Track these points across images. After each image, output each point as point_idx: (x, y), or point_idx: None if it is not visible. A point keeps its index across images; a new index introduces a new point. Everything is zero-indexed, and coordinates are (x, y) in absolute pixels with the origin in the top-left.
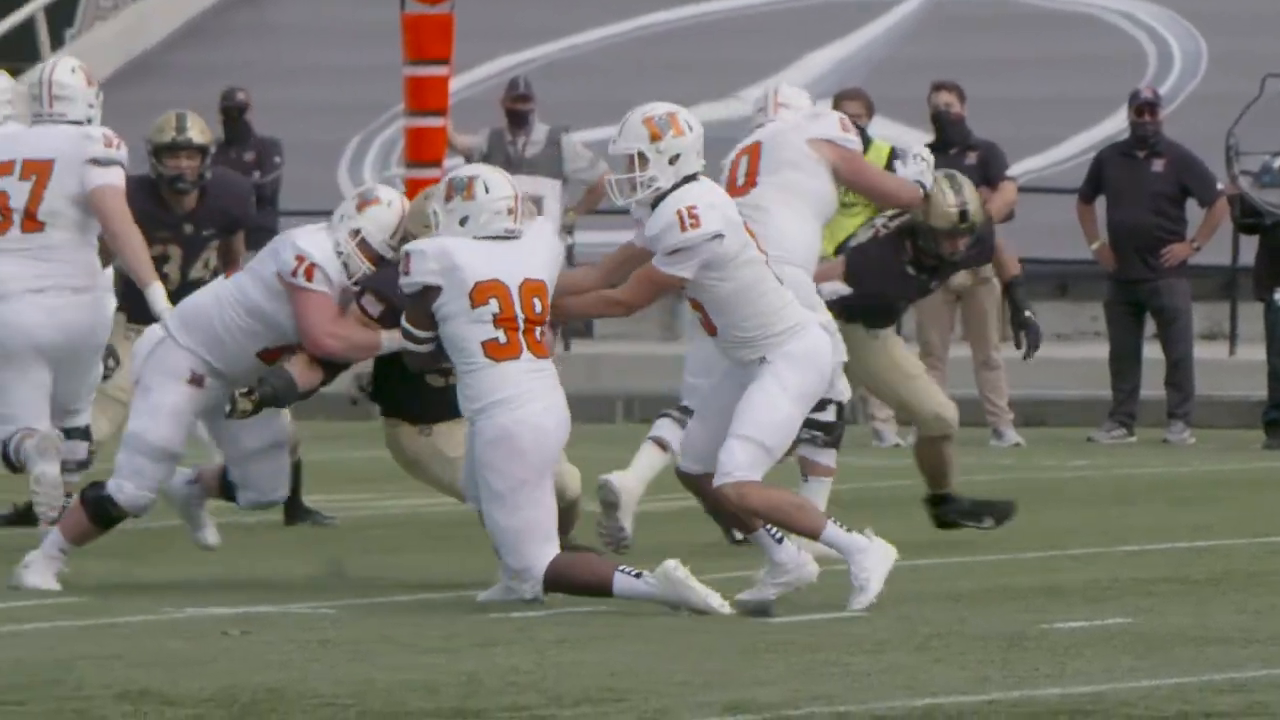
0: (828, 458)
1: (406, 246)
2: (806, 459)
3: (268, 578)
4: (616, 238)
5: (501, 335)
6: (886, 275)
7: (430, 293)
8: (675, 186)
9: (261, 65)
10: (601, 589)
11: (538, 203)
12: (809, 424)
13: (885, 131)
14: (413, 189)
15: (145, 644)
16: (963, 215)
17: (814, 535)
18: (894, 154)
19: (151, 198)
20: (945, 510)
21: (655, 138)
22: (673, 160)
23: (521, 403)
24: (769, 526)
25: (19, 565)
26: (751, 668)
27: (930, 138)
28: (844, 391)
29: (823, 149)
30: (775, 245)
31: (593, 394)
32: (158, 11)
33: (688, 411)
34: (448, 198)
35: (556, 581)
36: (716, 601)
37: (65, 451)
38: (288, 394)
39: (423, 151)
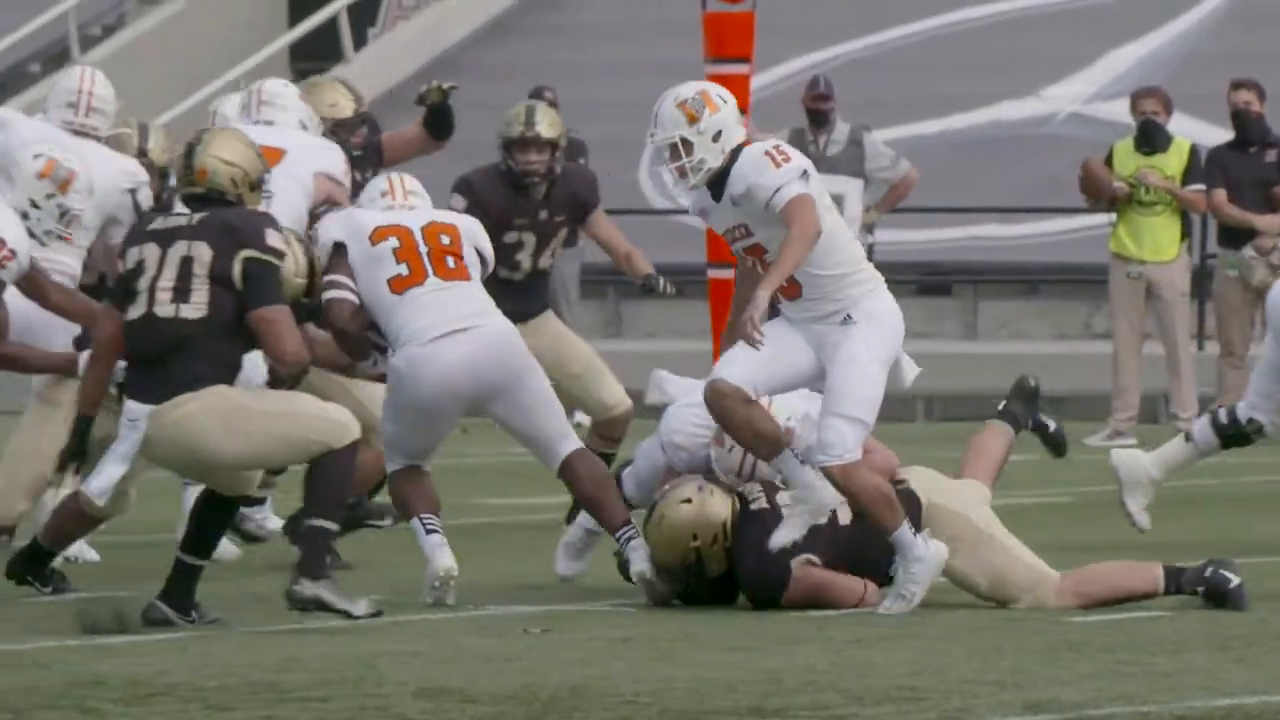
0: None
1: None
2: None
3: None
4: (916, 235)
5: (404, 269)
6: None
7: (339, 251)
8: (733, 155)
9: (563, 63)
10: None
11: (838, 201)
12: None
13: (1186, 129)
14: None
15: (446, 642)
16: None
17: (888, 531)
18: (1194, 152)
19: (505, 186)
20: None
21: (693, 120)
22: (716, 137)
23: (425, 335)
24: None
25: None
26: (1051, 667)
27: (1230, 135)
28: None
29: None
30: None
31: (893, 393)
32: (460, 10)
33: None
34: None
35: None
36: None
37: None
38: None
39: None
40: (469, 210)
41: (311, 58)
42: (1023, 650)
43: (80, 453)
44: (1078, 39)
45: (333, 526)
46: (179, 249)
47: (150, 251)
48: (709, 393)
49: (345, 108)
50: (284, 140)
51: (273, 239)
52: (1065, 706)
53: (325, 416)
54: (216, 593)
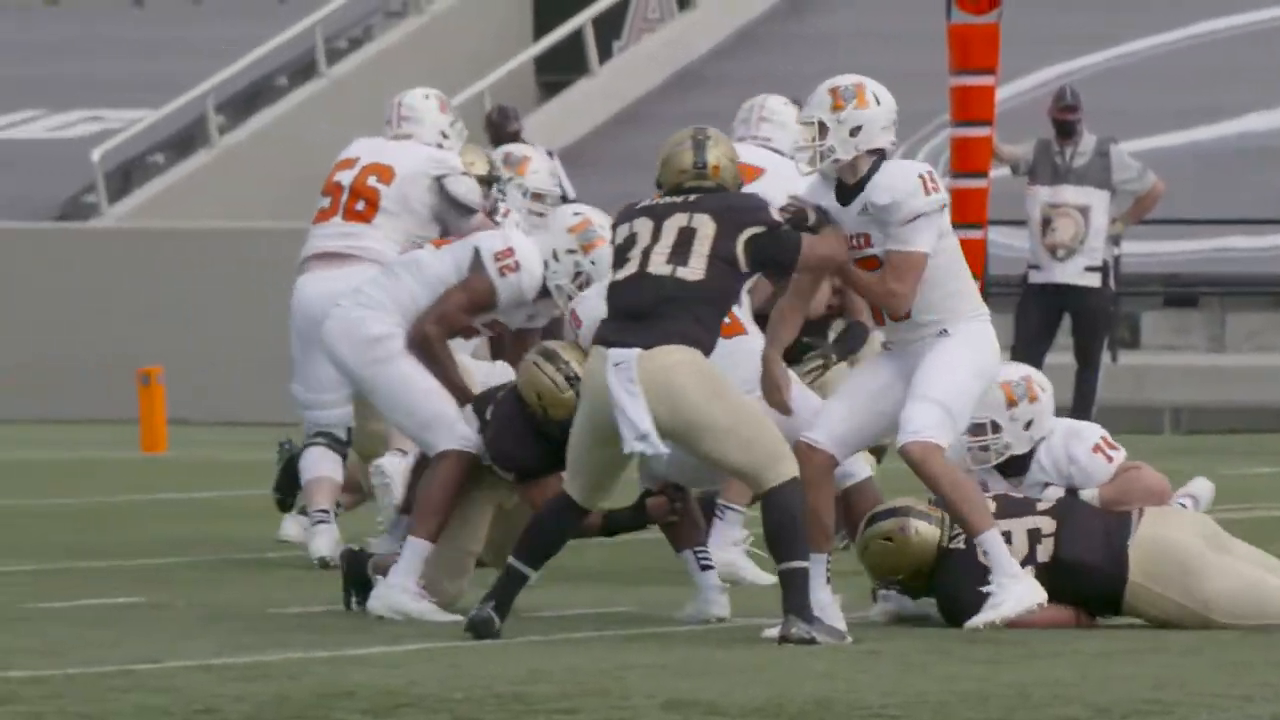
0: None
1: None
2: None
3: None
4: (1162, 247)
5: None
6: None
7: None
8: (875, 164)
9: (808, 74)
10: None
11: (1084, 213)
12: None
13: None
14: (958, 199)
15: (693, 654)
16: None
17: (971, 531)
18: None
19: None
20: None
21: (837, 107)
22: (853, 132)
23: None
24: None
25: None
26: None
27: None
28: None
29: None
30: None
31: (1139, 405)
32: (705, 22)
33: None
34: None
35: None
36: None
37: None
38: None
39: (968, 161)
40: None
41: (556, 70)
42: (1272, 664)
43: None
44: None
45: (805, 564)
46: (676, 220)
47: (643, 225)
48: (799, 450)
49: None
50: (761, 159)
51: (773, 213)
52: None
53: (780, 440)
54: (465, 603)
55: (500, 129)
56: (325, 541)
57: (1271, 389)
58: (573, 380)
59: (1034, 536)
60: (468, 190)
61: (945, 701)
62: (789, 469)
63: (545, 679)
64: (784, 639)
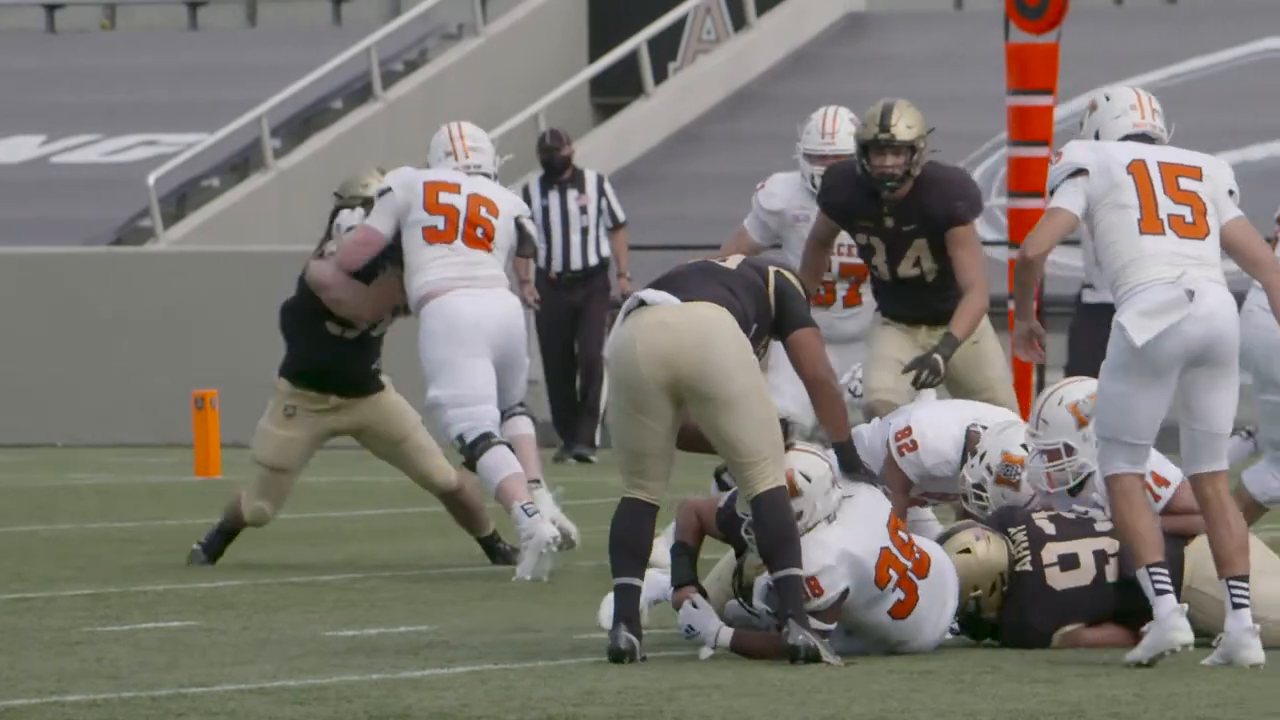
0: None
1: None
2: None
3: None
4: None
5: None
6: None
7: None
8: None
9: (868, 94)
10: None
11: None
12: None
13: None
14: (1014, 220)
15: (747, 674)
16: None
17: (1133, 565)
18: None
19: (859, 186)
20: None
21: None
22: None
23: None
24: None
25: None
26: None
27: None
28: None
29: None
30: None
31: None
32: (761, 42)
33: None
34: None
35: None
36: None
37: None
38: None
39: (1025, 181)
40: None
41: (612, 92)
42: None
43: None
44: None
45: (801, 571)
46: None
47: None
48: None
49: (374, 188)
50: None
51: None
52: None
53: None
54: (518, 624)
55: (553, 153)
56: (547, 526)
57: None
58: None
59: (1100, 558)
60: (534, 231)
61: None
62: (783, 474)
63: (598, 700)
64: (791, 647)
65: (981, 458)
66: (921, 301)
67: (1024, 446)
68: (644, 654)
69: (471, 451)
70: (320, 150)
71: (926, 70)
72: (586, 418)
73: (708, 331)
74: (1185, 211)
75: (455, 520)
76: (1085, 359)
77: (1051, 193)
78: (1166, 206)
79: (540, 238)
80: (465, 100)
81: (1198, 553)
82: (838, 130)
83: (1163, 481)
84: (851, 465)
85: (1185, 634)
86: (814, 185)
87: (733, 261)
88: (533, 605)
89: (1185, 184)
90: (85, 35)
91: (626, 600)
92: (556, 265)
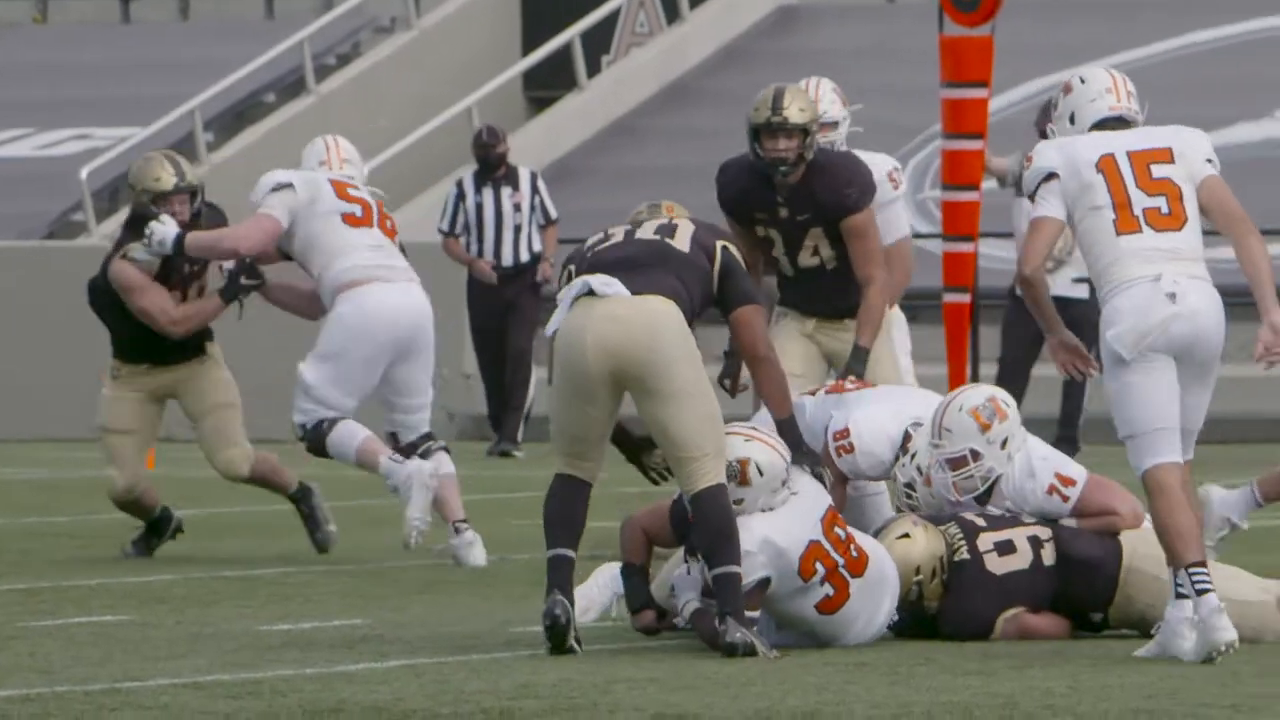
0: None
1: None
2: None
3: None
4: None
5: None
6: None
7: None
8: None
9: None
10: None
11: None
12: None
13: None
14: (948, 213)
15: (683, 667)
16: None
17: (1176, 563)
18: None
19: (753, 176)
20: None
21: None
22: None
23: None
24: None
25: None
26: None
27: None
28: None
29: None
30: None
31: None
32: (694, 35)
33: None
34: None
35: None
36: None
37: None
38: None
39: (959, 174)
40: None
41: (545, 85)
42: (1264, 674)
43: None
44: None
45: (739, 569)
46: (657, 221)
47: (618, 229)
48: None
49: (167, 181)
50: None
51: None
52: None
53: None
54: (453, 618)
55: (489, 150)
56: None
57: (1261, 400)
58: None
59: (1035, 543)
60: None
61: (932, 713)
62: (724, 471)
63: (533, 694)
64: (728, 645)
65: (912, 458)
66: (821, 294)
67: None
68: (579, 636)
69: (316, 433)
70: (253, 144)
71: (859, 63)
72: (512, 414)
73: (656, 325)
74: (1160, 203)
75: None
76: (1018, 351)
77: (1031, 199)
78: (1140, 201)
79: (474, 234)
80: (398, 94)
81: (1133, 535)
82: (820, 99)
83: (1069, 482)
84: (794, 443)
85: (1229, 632)
86: None
87: (684, 234)
88: (468, 599)
89: (1158, 171)
90: (17, 29)
91: (559, 571)
92: (489, 261)
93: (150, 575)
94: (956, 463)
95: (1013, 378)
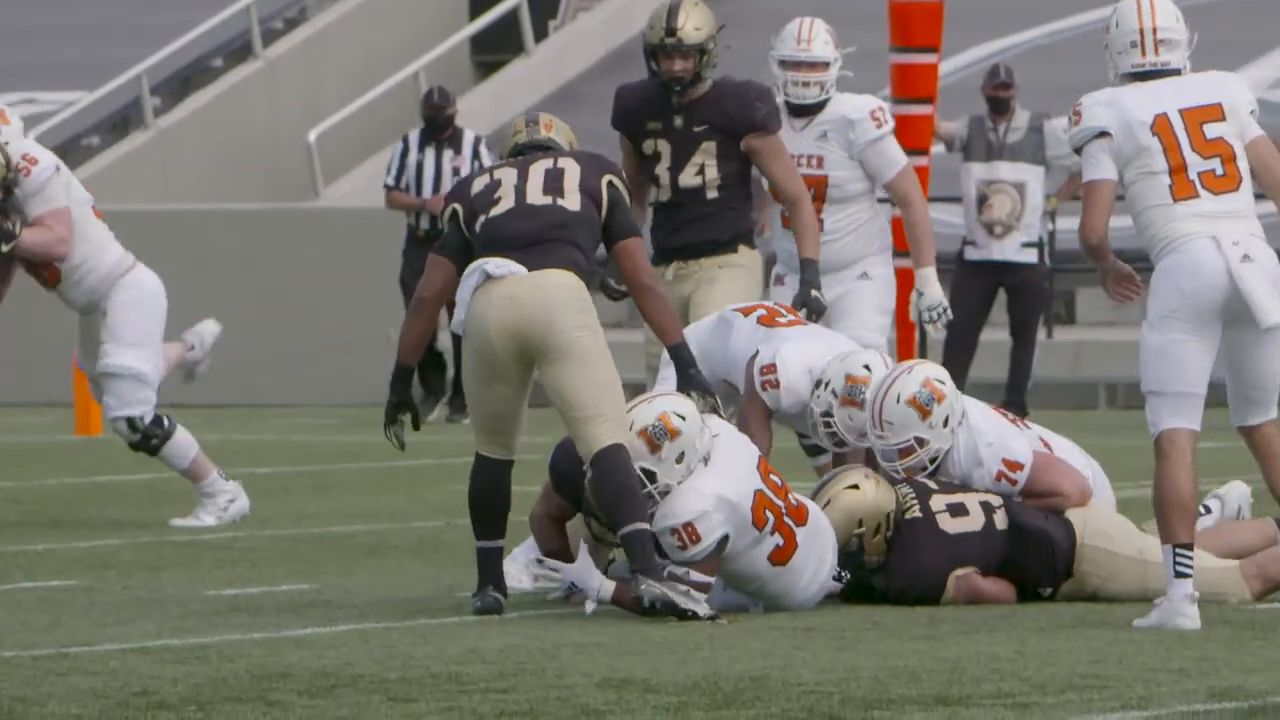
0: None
1: None
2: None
3: None
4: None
5: None
6: None
7: None
8: None
9: (746, 54)
10: None
11: (1020, 189)
12: None
13: None
14: None
15: (629, 633)
16: None
17: (1166, 539)
18: None
19: (650, 90)
20: None
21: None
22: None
23: None
24: None
25: None
26: (1236, 655)
27: None
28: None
29: None
30: None
31: (1075, 381)
32: (640, 1)
33: None
34: None
35: None
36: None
37: None
38: None
39: (910, 139)
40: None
41: (492, 50)
42: (1208, 638)
43: (402, 405)
44: (1252, 27)
45: (646, 525)
46: (543, 164)
47: (506, 174)
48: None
49: None
50: None
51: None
52: (1250, 694)
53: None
54: (400, 583)
55: (439, 110)
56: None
57: None
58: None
59: (987, 508)
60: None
61: (879, 677)
62: (624, 434)
63: (480, 659)
64: (638, 599)
65: (826, 385)
66: (691, 222)
67: (868, 368)
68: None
69: (160, 427)
70: (200, 109)
71: None
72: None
73: (551, 299)
74: (1215, 165)
75: None
76: (968, 316)
77: (1077, 152)
78: (1196, 165)
79: (412, 191)
80: (345, 58)
81: (1087, 510)
82: (814, 38)
83: (1016, 467)
84: (686, 363)
85: (1192, 622)
86: (787, 93)
87: (572, 183)
88: (414, 564)
89: (1211, 131)
90: None
91: (489, 563)
92: (424, 223)
93: (97, 541)
94: (904, 452)
95: (961, 342)
